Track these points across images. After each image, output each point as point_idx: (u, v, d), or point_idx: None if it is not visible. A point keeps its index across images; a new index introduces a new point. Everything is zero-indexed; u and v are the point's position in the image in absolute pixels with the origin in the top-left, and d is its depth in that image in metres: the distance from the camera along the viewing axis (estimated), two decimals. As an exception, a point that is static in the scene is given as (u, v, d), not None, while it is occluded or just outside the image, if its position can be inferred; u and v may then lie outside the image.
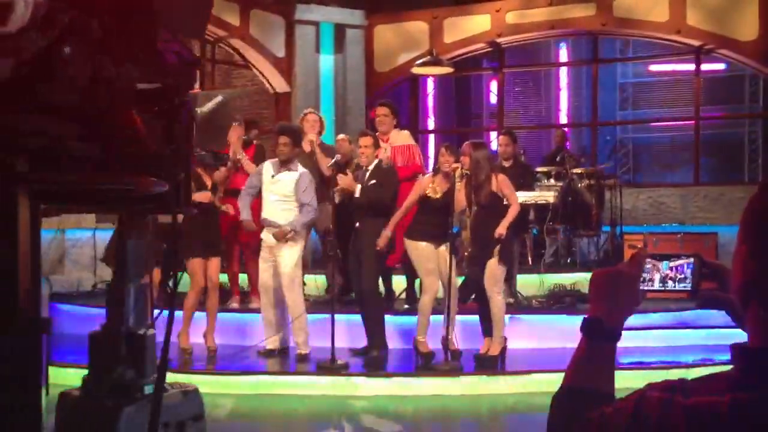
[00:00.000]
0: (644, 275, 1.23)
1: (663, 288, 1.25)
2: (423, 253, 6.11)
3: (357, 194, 6.31)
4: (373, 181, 6.24)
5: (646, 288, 1.24)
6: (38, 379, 1.27)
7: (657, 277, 1.24)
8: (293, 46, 10.39)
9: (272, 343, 6.47)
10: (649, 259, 1.24)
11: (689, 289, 1.24)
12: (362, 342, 6.41)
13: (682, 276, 1.24)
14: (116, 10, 1.18)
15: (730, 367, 1.07)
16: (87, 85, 1.18)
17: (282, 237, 6.27)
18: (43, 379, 1.28)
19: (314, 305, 7.19)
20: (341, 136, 7.82)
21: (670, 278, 1.24)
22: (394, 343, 6.57)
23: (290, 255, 6.31)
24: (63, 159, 1.20)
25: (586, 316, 1.21)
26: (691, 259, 1.25)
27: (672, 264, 1.24)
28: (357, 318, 6.41)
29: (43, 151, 1.18)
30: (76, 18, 1.19)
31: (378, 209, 6.18)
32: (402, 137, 7.34)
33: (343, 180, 6.42)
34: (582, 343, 1.21)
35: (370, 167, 6.33)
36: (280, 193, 6.35)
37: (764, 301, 1.03)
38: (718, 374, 1.09)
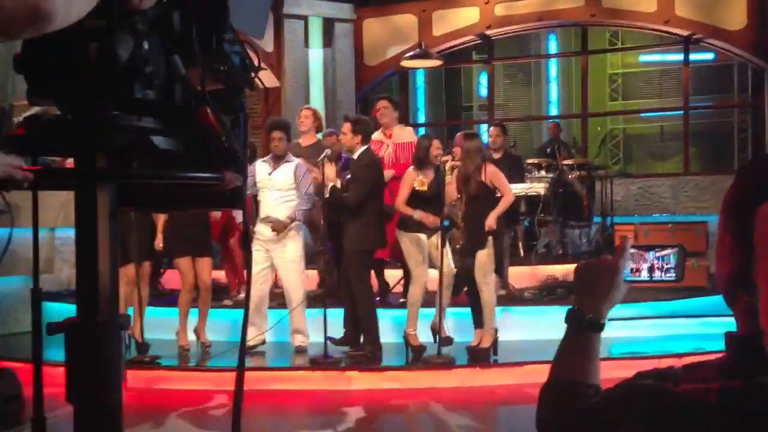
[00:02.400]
0: (632, 265, 1.23)
1: (650, 278, 1.26)
2: (413, 243, 6.11)
3: (326, 194, 6.17)
4: (349, 175, 6.17)
5: (634, 278, 1.24)
6: (118, 377, 1.25)
7: (644, 267, 1.24)
8: (282, 41, 10.36)
9: (255, 340, 6.46)
10: (635, 250, 1.24)
11: (675, 278, 1.25)
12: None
13: (669, 266, 1.24)
14: (196, 5, 1.17)
15: (719, 355, 1.08)
16: (164, 81, 1.17)
17: (283, 229, 6.26)
18: (122, 378, 1.27)
19: (306, 300, 7.18)
20: (328, 130, 7.80)
21: (657, 268, 1.25)
22: (387, 336, 6.56)
23: (294, 248, 6.34)
24: (146, 154, 1.20)
25: (570, 308, 1.21)
26: (676, 249, 1.25)
27: (657, 254, 1.25)
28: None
29: (127, 146, 1.18)
30: (162, 10, 1.19)
31: (350, 209, 6.08)
32: (406, 134, 7.32)
33: (327, 171, 6.19)
34: (567, 335, 1.21)
35: (355, 156, 6.26)
36: (281, 188, 6.34)
37: (750, 290, 1.03)
38: (708, 362, 1.09)
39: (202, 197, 1.42)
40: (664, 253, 1.24)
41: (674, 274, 1.24)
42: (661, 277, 1.25)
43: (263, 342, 6.58)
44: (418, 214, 5.94)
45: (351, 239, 6.09)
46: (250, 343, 6.41)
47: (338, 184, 6.21)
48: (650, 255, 1.24)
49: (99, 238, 1.20)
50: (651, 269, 1.25)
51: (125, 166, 1.22)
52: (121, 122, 1.15)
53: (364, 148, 6.21)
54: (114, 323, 1.24)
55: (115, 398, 1.24)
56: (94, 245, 1.20)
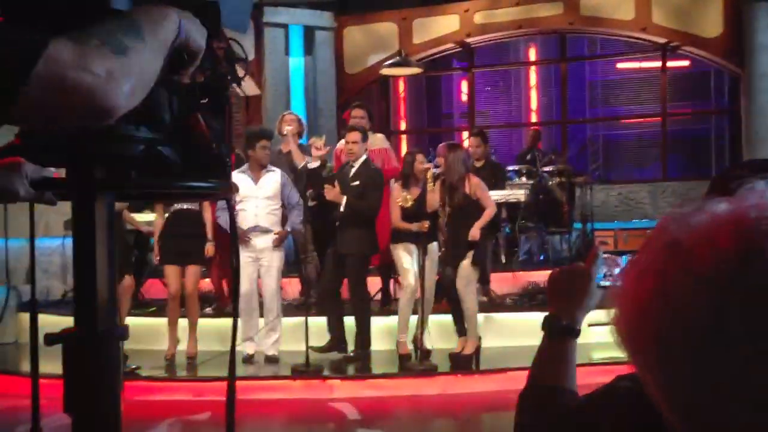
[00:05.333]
0: (605, 271, 1.24)
1: (623, 283, 1.26)
2: (406, 253, 6.13)
3: (342, 208, 6.13)
4: (356, 182, 6.16)
5: (608, 283, 1.25)
6: (117, 388, 1.24)
7: (617, 272, 1.25)
8: (262, 49, 10.35)
9: (251, 348, 6.45)
10: (608, 256, 1.25)
11: None
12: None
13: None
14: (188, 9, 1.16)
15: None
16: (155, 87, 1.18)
17: (281, 241, 6.35)
18: (120, 388, 1.26)
19: (288, 308, 7.16)
20: (313, 138, 7.78)
21: (631, 273, 1.25)
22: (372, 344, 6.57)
23: (279, 258, 6.38)
24: (148, 163, 1.19)
25: (546, 314, 1.22)
26: None
27: (630, 259, 1.26)
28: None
29: (129, 157, 1.18)
30: None
31: (360, 219, 6.14)
32: (377, 141, 7.32)
33: (330, 192, 6.18)
34: (543, 341, 1.22)
35: (356, 164, 6.26)
36: (267, 196, 6.34)
37: None
38: None
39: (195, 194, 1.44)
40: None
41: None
42: (634, 282, 1.25)
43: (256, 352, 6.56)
44: (415, 227, 5.98)
45: (351, 244, 6.09)
46: (248, 351, 6.40)
47: (342, 202, 6.13)
48: (623, 260, 1.25)
49: (97, 247, 1.20)
50: (624, 274, 1.25)
51: (123, 175, 1.22)
52: (130, 132, 1.15)
53: (365, 156, 6.31)
54: (113, 333, 1.23)
55: (114, 408, 1.24)
56: (92, 255, 1.20)
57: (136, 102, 0.98)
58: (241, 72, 1.32)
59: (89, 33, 0.93)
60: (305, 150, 7.01)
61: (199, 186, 1.24)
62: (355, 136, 6.24)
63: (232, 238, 1.45)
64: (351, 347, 6.34)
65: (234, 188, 1.34)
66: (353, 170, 6.21)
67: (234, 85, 1.33)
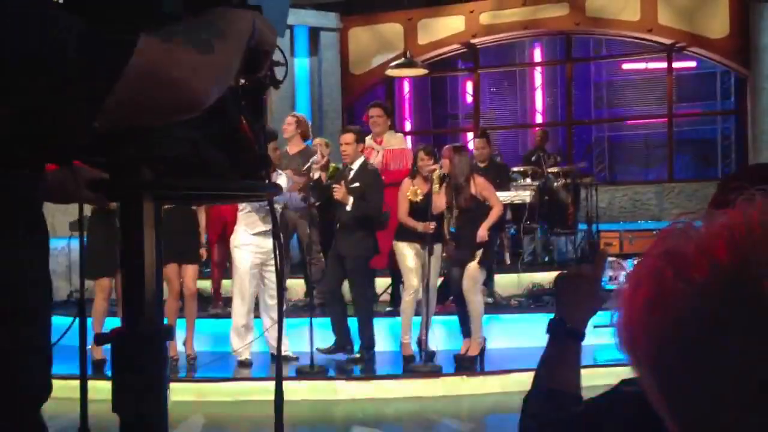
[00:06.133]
0: (610, 274, 1.24)
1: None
2: (409, 253, 6.13)
3: (348, 208, 6.09)
4: (357, 184, 6.14)
5: (612, 287, 1.25)
6: (164, 387, 1.24)
7: (622, 275, 1.25)
8: (268, 50, 10.35)
9: (247, 351, 6.43)
10: (613, 259, 1.25)
11: None
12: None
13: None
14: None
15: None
16: None
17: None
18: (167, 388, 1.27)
19: (293, 309, 7.16)
20: (318, 139, 7.79)
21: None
22: (377, 345, 6.57)
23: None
24: (194, 164, 1.20)
25: (551, 318, 1.22)
26: None
27: (635, 262, 1.25)
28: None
29: (179, 157, 1.19)
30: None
31: (365, 221, 6.14)
32: (397, 140, 7.32)
33: (339, 192, 6.10)
34: (548, 345, 1.22)
35: (354, 166, 6.24)
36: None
37: None
38: None
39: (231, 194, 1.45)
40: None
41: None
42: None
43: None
44: (421, 227, 5.96)
45: (350, 246, 6.08)
46: (244, 356, 6.39)
47: (349, 202, 6.11)
48: (628, 264, 1.25)
49: (145, 247, 1.21)
50: (629, 278, 1.25)
51: (169, 174, 1.22)
52: (178, 134, 1.16)
53: (363, 158, 6.28)
54: (160, 333, 1.24)
55: (161, 408, 1.24)
56: (140, 255, 1.21)
57: (216, 96, 1.02)
58: (279, 75, 1.33)
59: (173, 31, 0.98)
60: (311, 153, 7.00)
61: (253, 187, 1.25)
62: (348, 137, 6.19)
63: (274, 240, 1.46)
64: (357, 348, 6.34)
65: (279, 189, 1.35)
66: (352, 172, 6.21)
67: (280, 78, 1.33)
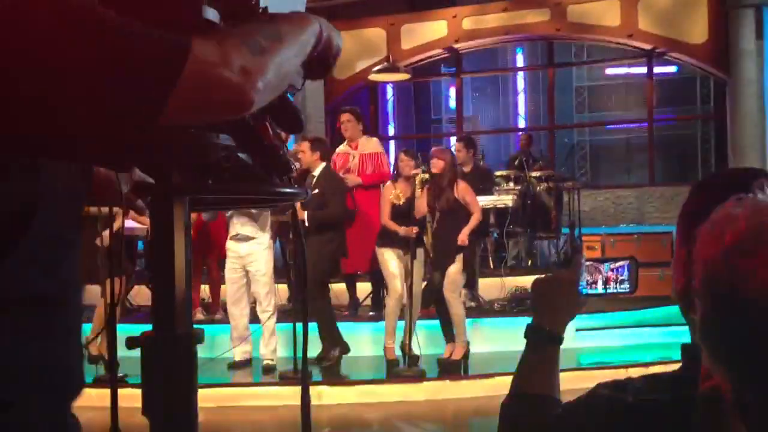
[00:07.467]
0: (587, 278, 1.25)
1: (605, 290, 1.28)
2: (391, 257, 6.13)
3: (306, 222, 6.07)
4: (316, 191, 6.12)
5: (590, 291, 1.26)
6: (194, 390, 1.24)
7: (599, 279, 1.26)
8: (250, 55, 10.34)
9: (243, 354, 6.42)
10: (590, 263, 1.26)
11: (629, 290, 1.27)
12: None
13: (623, 277, 1.27)
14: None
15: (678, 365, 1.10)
16: None
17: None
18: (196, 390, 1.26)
19: (276, 314, 7.14)
20: (297, 145, 7.78)
21: (612, 280, 1.27)
22: (357, 349, 6.56)
23: (267, 262, 6.30)
24: (224, 170, 1.21)
25: (529, 323, 1.23)
26: (628, 261, 1.28)
27: (612, 266, 1.27)
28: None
29: (209, 163, 1.19)
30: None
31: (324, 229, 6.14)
32: (371, 145, 7.35)
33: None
34: (527, 349, 1.22)
35: (316, 173, 6.26)
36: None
37: (692, 306, 1.06)
38: (666, 373, 1.11)
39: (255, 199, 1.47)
40: (617, 265, 1.27)
41: (628, 286, 1.26)
42: (616, 289, 1.27)
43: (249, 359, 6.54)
44: (402, 231, 5.96)
45: (310, 257, 6.04)
46: (238, 358, 6.38)
47: (304, 216, 6.08)
48: (605, 267, 1.26)
49: (176, 251, 1.21)
50: (606, 281, 1.27)
51: (202, 178, 1.23)
52: (211, 140, 1.16)
53: (324, 164, 6.31)
54: (190, 336, 1.24)
55: (192, 410, 1.24)
56: (171, 259, 1.21)
57: (269, 99, 1.04)
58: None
59: (229, 33, 1.01)
60: (291, 157, 6.99)
61: (287, 191, 1.25)
62: (303, 146, 6.33)
63: (298, 243, 1.47)
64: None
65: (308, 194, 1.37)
66: (314, 180, 6.23)
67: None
